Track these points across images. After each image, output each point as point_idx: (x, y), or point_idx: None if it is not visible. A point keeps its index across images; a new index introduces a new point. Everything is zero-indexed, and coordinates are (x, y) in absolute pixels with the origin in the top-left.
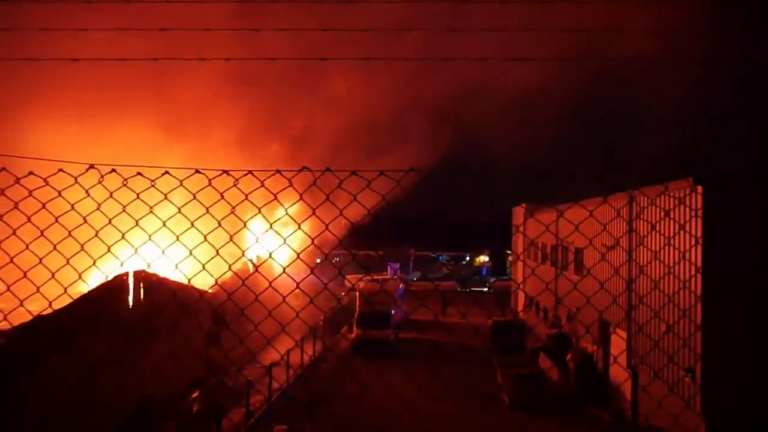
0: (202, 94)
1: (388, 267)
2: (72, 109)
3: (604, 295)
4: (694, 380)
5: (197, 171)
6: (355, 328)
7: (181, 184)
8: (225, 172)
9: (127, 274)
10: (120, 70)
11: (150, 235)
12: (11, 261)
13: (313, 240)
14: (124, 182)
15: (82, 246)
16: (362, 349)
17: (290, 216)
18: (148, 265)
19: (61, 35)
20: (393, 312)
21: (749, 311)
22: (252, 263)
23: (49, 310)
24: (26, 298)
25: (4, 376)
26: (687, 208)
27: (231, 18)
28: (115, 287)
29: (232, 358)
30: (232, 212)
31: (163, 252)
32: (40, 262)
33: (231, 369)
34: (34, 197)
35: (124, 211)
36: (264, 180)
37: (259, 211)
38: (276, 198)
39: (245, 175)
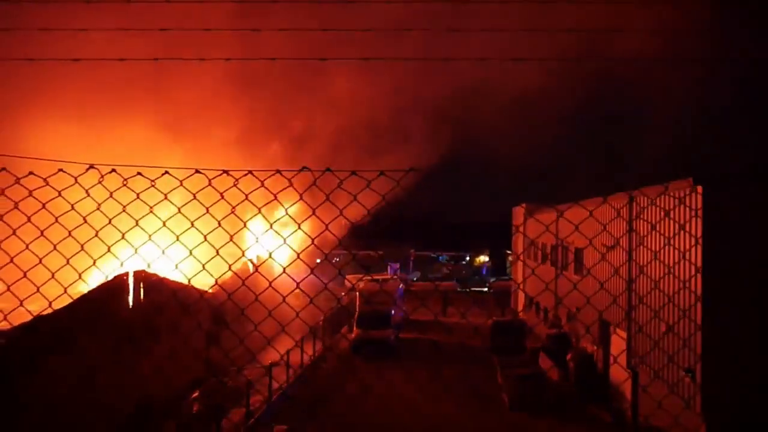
0: (202, 94)
1: (388, 267)
2: (72, 109)
3: (604, 295)
4: (694, 380)
5: (197, 171)
6: (355, 328)
7: (181, 184)
8: (225, 172)
9: (127, 274)
10: (120, 70)
11: (150, 235)
12: (11, 261)
13: (313, 240)
14: (124, 182)
15: (82, 246)
16: (362, 349)
17: (290, 216)
18: (148, 265)
19: (61, 35)
20: (393, 312)
21: (749, 311)
22: (252, 263)
23: (49, 310)
24: (26, 298)
25: (4, 376)
26: (687, 208)
27: (231, 18)
28: (115, 287)
29: (232, 358)
30: (232, 212)
31: (163, 252)
32: (40, 262)
33: (231, 369)
34: (34, 197)
35: (124, 211)
36: (264, 180)
37: (259, 211)
38: (276, 198)
39: (245, 175)
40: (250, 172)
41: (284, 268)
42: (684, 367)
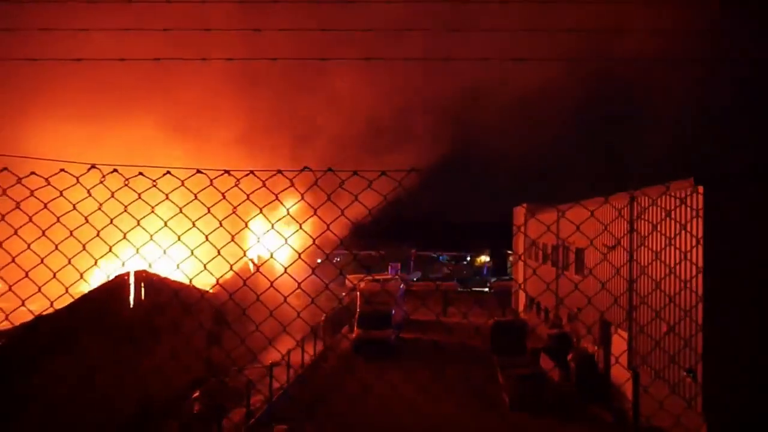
0: (204, 94)
1: (389, 267)
2: (73, 108)
3: (606, 295)
4: (696, 380)
5: (199, 171)
6: (355, 328)
7: (183, 184)
8: (226, 172)
9: (128, 274)
10: (122, 70)
11: (151, 235)
12: (13, 261)
13: (314, 240)
14: (126, 182)
15: (83, 246)
16: (363, 348)
17: (291, 216)
18: (150, 265)
19: (62, 35)
20: (394, 312)
21: (750, 311)
22: (253, 263)
23: (51, 310)
24: (28, 298)
25: (5, 376)
26: (688, 209)
27: (232, 18)
28: (116, 287)
29: (234, 358)
30: (234, 212)
31: (164, 252)
32: (42, 261)
33: (232, 369)
34: (35, 197)
35: (125, 211)
36: (265, 180)
37: (261, 211)
38: (277, 198)
39: (246, 175)
40: (251, 172)
41: (285, 269)
42: (685, 367)
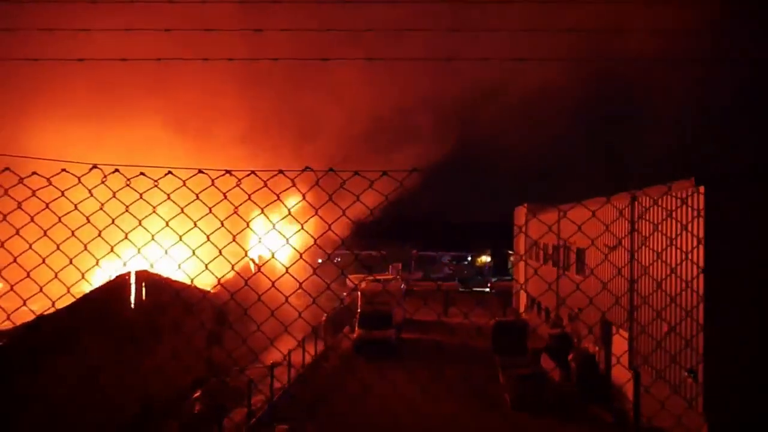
0: (205, 94)
1: (390, 267)
2: (75, 109)
3: (607, 295)
4: (697, 381)
5: (200, 171)
6: (357, 328)
7: (184, 184)
8: (228, 172)
9: (129, 273)
10: (123, 70)
11: (153, 235)
12: (14, 260)
13: (315, 240)
14: (127, 182)
15: (85, 246)
16: (364, 348)
17: (293, 216)
18: (151, 265)
19: (64, 35)
20: (395, 312)
21: (752, 312)
22: (254, 263)
23: (52, 310)
24: (29, 298)
25: (6, 376)
26: (689, 209)
27: (233, 18)
28: (117, 287)
29: (235, 358)
30: (235, 212)
31: (165, 252)
32: (44, 261)
33: (233, 369)
34: (37, 197)
35: (126, 211)
36: (267, 180)
37: (262, 211)
38: (279, 198)
39: (248, 175)
40: (253, 172)
41: (287, 269)
42: (686, 367)
